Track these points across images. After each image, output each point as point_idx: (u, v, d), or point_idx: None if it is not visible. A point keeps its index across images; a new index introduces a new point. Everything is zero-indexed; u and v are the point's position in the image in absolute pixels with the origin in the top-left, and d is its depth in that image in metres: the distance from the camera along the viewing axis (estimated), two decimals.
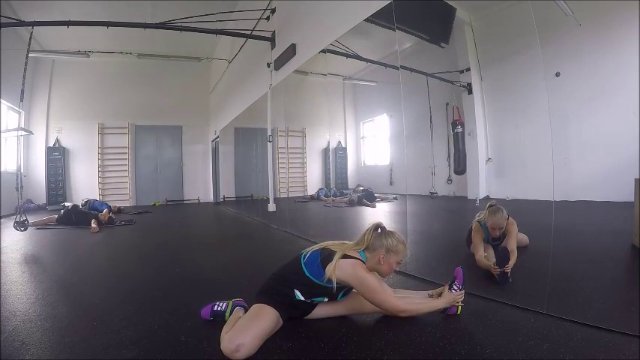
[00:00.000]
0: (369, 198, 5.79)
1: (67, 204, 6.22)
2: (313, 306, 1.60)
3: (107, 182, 9.02)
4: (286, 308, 1.51)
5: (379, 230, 1.63)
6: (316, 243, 2.16)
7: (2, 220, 5.87)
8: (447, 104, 4.29)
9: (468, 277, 2.11)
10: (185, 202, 9.90)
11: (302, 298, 1.53)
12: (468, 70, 3.85)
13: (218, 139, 9.16)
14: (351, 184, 6.66)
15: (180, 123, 9.91)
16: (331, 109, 7.20)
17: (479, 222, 2.43)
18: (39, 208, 7.90)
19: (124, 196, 9.11)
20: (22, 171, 4.77)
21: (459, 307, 1.64)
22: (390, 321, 1.58)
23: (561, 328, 1.47)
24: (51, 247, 3.78)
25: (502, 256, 2.04)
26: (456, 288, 1.65)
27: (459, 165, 4.10)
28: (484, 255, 2.27)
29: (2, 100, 6.59)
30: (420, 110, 4.71)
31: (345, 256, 1.54)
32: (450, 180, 4.42)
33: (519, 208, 2.81)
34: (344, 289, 1.58)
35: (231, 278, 2.44)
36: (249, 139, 8.13)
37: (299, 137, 7.47)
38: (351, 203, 5.88)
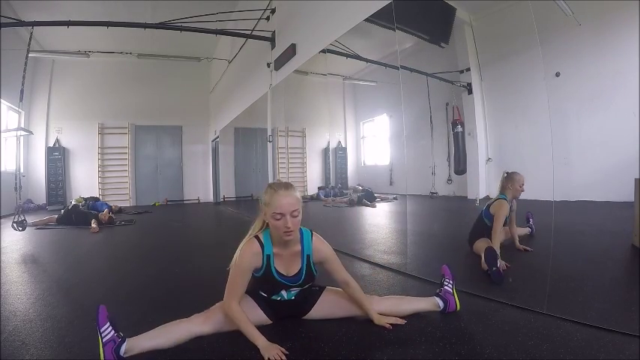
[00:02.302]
0: (369, 198, 5.79)
1: (72, 201, 6.26)
2: (297, 303, 1.56)
3: (107, 182, 9.02)
4: (267, 306, 1.53)
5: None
6: None
7: (2, 220, 5.87)
8: (447, 104, 4.29)
9: (469, 277, 2.12)
10: (185, 202, 9.90)
11: (265, 295, 1.53)
12: (468, 70, 3.85)
13: (218, 139, 9.16)
14: (351, 184, 6.67)
15: (180, 123, 9.91)
16: (331, 109, 7.20)
17: (498, 198, 2.53)
18: (39, 208, 7.91)
19: (124, 196, 9.11)
20: (20, 171, 4.77)
21: (457, 303, 1.63)
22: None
23: (561, 328, 1.47)
24: (51, 247, 3.78)
25: (490, 256, 2.05)
26: (446, 283, 1.66)
27: (459, 165, 4.09)
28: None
29: (2, 100, 6.59)
30: (420, 110, 4.71)
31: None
32: (450, 180, 4.42)
33: (519, 208, 2.80)
34: (299, 275, 1.50)
35: None
36: (249, 139, 8.13)
37: (299, 137, 7.48)
38: (351, 203, 5.88)
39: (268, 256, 1.44)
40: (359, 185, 6.43)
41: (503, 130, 3.78)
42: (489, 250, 2.09)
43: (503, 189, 2.57)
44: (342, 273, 1.56)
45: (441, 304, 1.62)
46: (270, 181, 5.79)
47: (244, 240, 1.49)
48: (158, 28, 4.80)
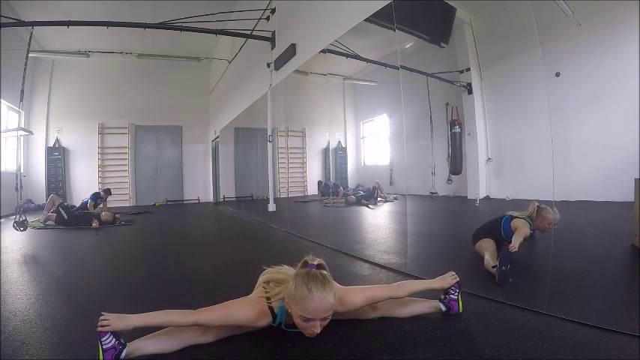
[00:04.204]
0: (367, 198, 5.80)
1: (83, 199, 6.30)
2: None
3: (107, 182, 9.01)
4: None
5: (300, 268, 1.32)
6: (315, 243, 2.08)
7: (2, 220, 5.87)
8: (447, 104, 4.30)
9: (469, 277, 2.12)
10: (185, 202, 9.90)
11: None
12: (468, 70, 3.86)
13: (218, 139, 9.17)
14: (351, 184, 6.68)
15: (180, 123, 9.92)
16: (331, 109, 7.21)
17: (524, 219, 2.44)
18: (39, 208, 7.90)
19: (124, 196, 9.11)
20: (21, 171, 4.76)
21: (460, 306, 1.62)
22: (390, 321, 1.58)
23: (561, 328, 1.47)
24: (51, 247, 3.78)
25: (506, 255, 2.04)
26: (452, 292, 1.63)
27: (456, 165, 4.11)
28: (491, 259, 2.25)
29: (2, 100, 6.59)
30: (420, 110, 4.72)
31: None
32: (449, 180, 4.43)
33: (519, 208, 2.80)
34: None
35: (232, 279, 2.44)
36: (249, 139, 8.14)
37: (299, 137, 7.49)
38: (349, 202, 5.89)
39: (280, 322, 1.37)
40: (360, 185, 6.44)
41: (503, 130, 3.79)
42: (506, 252, 2.06)
43: (530, 217, 2.44)
44: (380, 294, 1.51)
45: (444, 308, 1.61)
46: (271, 181, 5.80)
47: (257, 295, 1.40)
48: (158, 28, 4.80)
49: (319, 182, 6.89)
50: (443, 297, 1.64)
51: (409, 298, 1.70)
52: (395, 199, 5.68)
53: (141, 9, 6.57)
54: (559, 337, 1.39)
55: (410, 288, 1.60)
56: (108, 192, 6.38)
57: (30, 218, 4.80)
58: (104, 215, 5.38)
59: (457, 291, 1.64)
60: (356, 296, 1.46)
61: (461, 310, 1.62)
